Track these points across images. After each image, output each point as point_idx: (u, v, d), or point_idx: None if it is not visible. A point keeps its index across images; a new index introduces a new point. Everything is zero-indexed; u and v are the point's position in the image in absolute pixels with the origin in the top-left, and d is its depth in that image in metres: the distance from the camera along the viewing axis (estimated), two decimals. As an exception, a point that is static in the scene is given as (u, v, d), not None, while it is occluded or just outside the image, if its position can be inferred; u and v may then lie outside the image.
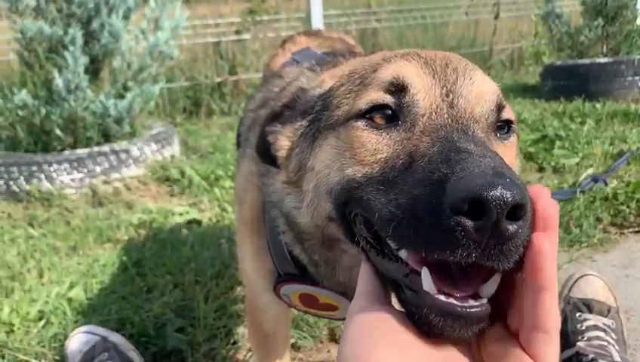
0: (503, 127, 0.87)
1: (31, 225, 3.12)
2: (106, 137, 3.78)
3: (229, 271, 2.39)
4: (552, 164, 3.60)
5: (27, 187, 3.40)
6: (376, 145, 0.80)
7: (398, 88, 0.82)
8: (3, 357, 1.92)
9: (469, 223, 0.60)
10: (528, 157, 3.75)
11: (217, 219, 3.14)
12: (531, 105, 5.32)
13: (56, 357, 1.91)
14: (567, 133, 4.12)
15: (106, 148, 3.62)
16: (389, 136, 0.80)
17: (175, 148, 4.06)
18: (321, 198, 0.89)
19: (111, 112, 3.62)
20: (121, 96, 3.75)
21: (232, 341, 2.05)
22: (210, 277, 2.35)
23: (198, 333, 2.02)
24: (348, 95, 0.89)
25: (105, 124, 3.69)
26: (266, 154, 1.04)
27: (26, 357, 1.90)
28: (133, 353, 1.77)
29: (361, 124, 0.83)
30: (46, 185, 3.41)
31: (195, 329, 2.04)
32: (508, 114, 0.87)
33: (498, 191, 0.58)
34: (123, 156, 3.62)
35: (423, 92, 0.80)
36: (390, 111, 0.82)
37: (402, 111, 0.80)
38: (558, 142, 3.90)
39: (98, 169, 3.53)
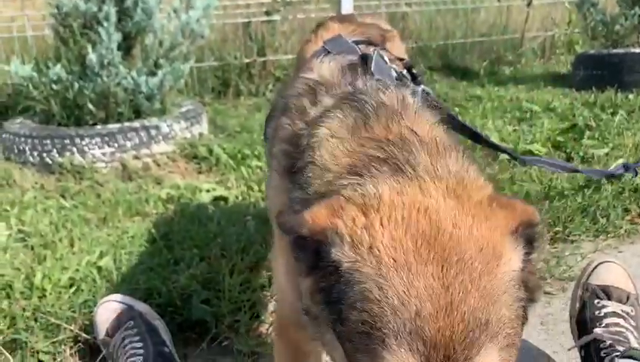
0: None
1: (63, 196, 3.21)
2: (137, 113, 3.84)
3: (254, 247, 2.43)
4: (581, 154, 3.56)
5: (60, 159, 3.49)
6: None
7: None
8: (36, 320, 2.00)
9: None
10: (556, 146, 3.71)
11: (243, 197, 3.19)
12: (561, 95, 5.24)
13: (86, 322, 1.98)
14: (597, 123, 4.05)
15: (136, 124, 3.69)
16: None
17: (203, 127, 4.12)
18: None
19: (142, 89, 3.68)
20: (153, 73, 3.80)
21: (255, 314, 2.10)
22: (235, 251, 2.39)
23: (222, 305, 2.07)
24: (357, 335, 0.82)
25: (136, 100, 3.75)
26: None
27: (57, 321, 1.97)
28: (157, 322, 1.83)
29: None
30: (78, 158, 3.50)
31: (220, 301, 2.10)
32: None
33: None
34: (153, 132, 3.69)
35: None
36: None
37: None
38: (587, 132, 3.85)
39: (128, 144, 3.60)
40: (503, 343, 0.79)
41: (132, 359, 1.58)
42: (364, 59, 1.38)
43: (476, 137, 2.12)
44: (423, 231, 0.82)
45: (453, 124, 1.94)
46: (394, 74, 1.40)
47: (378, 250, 0.81)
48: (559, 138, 3.77)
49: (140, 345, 1.64)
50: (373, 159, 0.98)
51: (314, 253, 0.88)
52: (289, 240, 0.93)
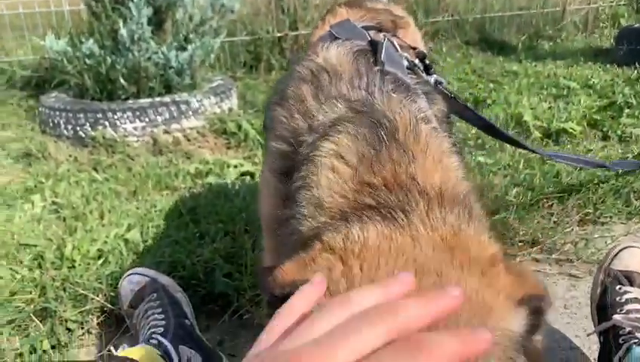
0: None
1: (95, 169, 3.28)
2: (168, 88, 3.88)
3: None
4: (618, 132, 3.45)
5: (93, 133, 3.57)
6: None
7: None
8: (65, 290, 2.07)
9: None
10: (592, 124, 3.59)
11: (270, 173, 3.20)
12: (602, 71, 5.05)
13: (112, 294, 2.04)
14: (638, 101, 3.90)
15: (167, 98, 3.73)
16: None
17: (233, 102, 4.13)
18: None
19: (172, 64, 3.71)
20: (183, 48, 3.83)
21: (276, 289, 2.12)
22: (258, 227, 2.41)
23: (244, 280, 2.10)
24: None
25: (166, 75, 3.79)
26: None
27: (85, 292, 2.04)
28: (179, 294, 1.87)
29: None
30: (110, 132, 3.57)
31: (242, 275, 2.13)
32: None
33: None
34: (183, 107, 3.72)
35: None
36: None
37: None
38: (627, 110, 3.72)
39: (159, 119, 3.65)
40: None
41: (154, 329, 1.62)
42: (374, 46, 1.30)
43: (492, 130, 2.06)
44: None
45: (469, 116, 1.89)
46: (405, 63, 1.33)
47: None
48: (596, 116, 3.65)
49: (161, 316, 1.69)
50: (366, 207, 0.92)
51: None
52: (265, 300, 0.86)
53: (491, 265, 0.81)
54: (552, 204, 2.61)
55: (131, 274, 1.93)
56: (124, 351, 1.41)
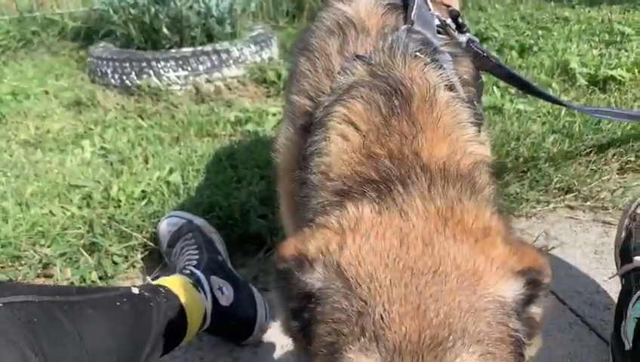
0: None
1: (140, 116, 3.41)
2: (209, 37, 3.94)
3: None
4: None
5: (138, 82, 3.69)
6: None
7: None
8: (111, 227, 2.21)
9: None
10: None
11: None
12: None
13: (153, 231, 2.17)
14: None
15: (208, 47, 3.79)
16: None
17: (273, 51, 4.16)
18: None
19: (213, 12, 3.76)
20: (224, -3, 3.86)
21: (308, 231, 2.20)
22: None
23: (277, 220, 2.19)
24: (322, 349, 0.80)
25: (208, 24, 3.84)
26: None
27: (128, 229, 2.17)
28: (214, 235, 1.98)
29: None
30: (154, 80, 3.67)
31: (275, 216, 2.21)
32: None
33: None
34: (224, 56, 3.78)
35: None
36: None
37: None
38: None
39: (201, 68, 3.73)
40: (483, 359, 0.75)
41: (188, 263, 1.73)
42: (405, 1, 1.27)
43: (527, 86, 2.02)
44: (396, 246, 0.82)
45: (503, 74, 1.85)
46: (437, 22, 1.31)
47: (347, 266, 0.82)
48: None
49: (196, 252, 1.79)
50: (367, 181, 0.96)
51: (289, 283, 0.88)
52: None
53: (485, 236, 0.85)
54: (591, 151, 2.56)
55: (169, 216, 2.05)
56: (158, 280, 1.52)
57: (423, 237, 0.83)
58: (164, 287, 1.44)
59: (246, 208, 2.25)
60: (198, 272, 1.61)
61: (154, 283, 1.49)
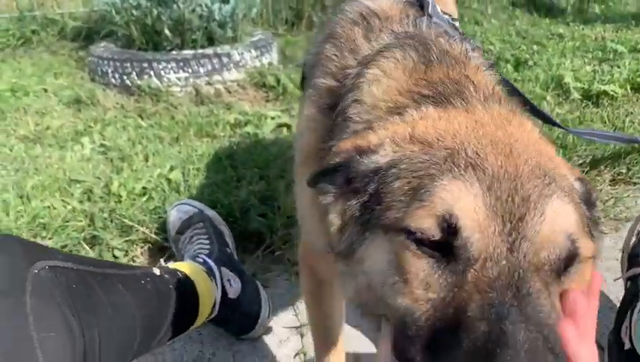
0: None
1: (140, 116, 3.43)
2: (210, 41, 3.98)
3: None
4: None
5: (138, 82, 3.71)
6: (427, 277, 0.72)
7: (450, 229, 0.71)
8: (112, 221, 2.23)
9: None
10: (636, 88, 3.54)
11: (306, 125, 3.29)
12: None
13: (155, 225, 2.19)
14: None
15: (209, 51, 3.83)
16: (441, 272, 0.72)
17: (273, 56, 4.21)
18: (378, 303, 0.81)
19: (215, 16, 3.80)
20: (225, 1, 3.90)
21: (307, 231, 2.23)
22: (291, 171, 2.52)
23: (277, 219, 2.22)
24: (401, 197, 0.77)
25: (209, 28, 3.88)
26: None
27: (130, 223, 2.19)
28: (223, 227, 2.01)
29: (413, 245, 0.73)
30: (155, 81, 3.70)
31: (275, 216, 2.25)
32: (581, 255, 0.73)
33: None
34: (225, 60, 3.82)
35: (478, 232, 0.70)
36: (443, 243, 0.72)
37: (454, 252, 0.71)
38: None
39: (202, 70, 3.76)
40: (577, 210, 0.76)
41: (199, 251, 1.76)
42: (420, 1, 1.31)
43: (526, 103, 2.07)
44: (470, 124, 0.84)
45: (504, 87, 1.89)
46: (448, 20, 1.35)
47: (423, 134, 0.82)
48: (640, 80, 3.58)
49: (207, 242, 1.82)
50: (423, 97, 0.97)
51: (343, 178, 0.87)
52: (315, 178, 0.92)
53: (546, 144, 0.88)
54: (584, 163, 2.62)
55: (181, 203, 2.07)
56: (174, 265, 1.54)
57: (494, 122, 0.85)
58: (181, 272, 1.46)
59: (246, 206, 2.28)
60: (210, 261, 1.63)
61: (171, 266, 1.50)
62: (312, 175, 0.92)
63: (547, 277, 0.70)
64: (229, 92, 3.85)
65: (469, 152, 0.76)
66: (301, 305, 1.92)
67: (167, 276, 1.37)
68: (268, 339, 1.81)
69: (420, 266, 0.72)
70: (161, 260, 1.66)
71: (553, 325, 0.66)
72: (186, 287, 1.43)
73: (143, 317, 1.17)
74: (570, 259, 0.72)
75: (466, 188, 0.72)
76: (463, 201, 0.71)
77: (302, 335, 1.81)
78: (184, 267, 1.52)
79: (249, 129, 3.21)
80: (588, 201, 0.85)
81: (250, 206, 2.28)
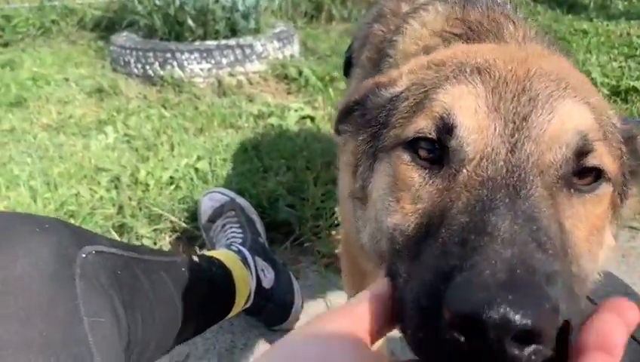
0: (587, 174, 0.66)
1: (163, 106, 3.42)
2: (233, 32, 3.96)
3: (336, 162, 2.52)
4: (692, 93, 3.32)
5: (161, 72, 3.70)
6: (417, 190, 0.67)
7: (445, 127, 0.66)
8: (140, 210, 2.22)
9: (462, 340, 0.47)
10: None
11: (329, 117, 3.26)
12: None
13: (185, 214, 2.18)
14: None
15: (232, 42, 3.81)
16: (432, 181, 0.66)
17: (295, 49, 4.18)
18: (381, 239, 0.73)
19: (239, 7, 3.78)
20: (249, -8, 3.88)
21: (334, 222, 2.21)
22: (319, 165, 2.50)
23: (306, 210, 2.20)
24: (406, 114, 0.74)
25: (232, 18, 3.86)
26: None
27: (160, 211, 2.18)
28: (255, 216, 1.99)
29: (406, 157, 0.69)
30: (178, 72, 3.69)
31: (304, 207, 2.22)
32: (597, 160, 0.65)
33: (499, 313, 0.45)
34: (247, 51, 3.80)
35: (476, 132, 0.64)
36: (437, 149, 0.67)
37: (447, 154, 0.66)
38: (703, 71, 3.56)
39: (224, 61, 3.74)
40: (601, 124, 0.69)
41: (232, 240, 1.74)
42: None
43: None
44: (493, 46, 0.82)
45: None
46: None
47: (439, 60, 0.78)
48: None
49: (239, 231, 1.80)
50: (454, 36, 0.97)
51: (360, 114, 0.85)
52: (337, 122, 0.89)
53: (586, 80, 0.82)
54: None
55: (213, 192, 2.05)
56: (210, 253, 1.52)
57: (524, 50, 0.82)
58: (217, 260, 1.45)
59: (274, 197, 2.26)
60: (244, 251, 1.62)
61: (207, 254, 1.49)
62: (335, 119, 0.89)
63: (553, 183, 0.62)
64: (251, 83, 3.83)
65: (479, 60, 0.72)
66: (332, 298, 1.90)
67: (205, 264, 1.35)
68: (300, 331, 1.79)
69: (412, 178, 0.68)
70: (196, 248, 1.64)
71: (549, 228, 0.56)
72: (223, 276, 1.42)
73: (185, 306, 1.16)
74: (580, 156, 0.64)
75: (468, 89, 0.68)
76: (463, 101, 0.67)
77: (335, 327, 1.78)
78: (220, 255, 1.50)
79: (273, 120, 3.19)
80: (629, 142, 0.76)
81: (279, 196, 2.26)
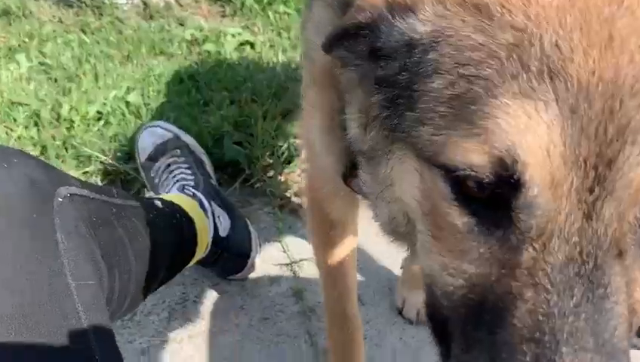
0: None
1: (83, 31, 3.05)
2: (157, -54, 3.55)
3: (287, 93, 2.33)
4: None
5: (77, -8, 3.28)
6: (464, 243, 0.55)
7: (508, 176, 0.50)
8: (66, 150, 1.97)
9: None
10: None
11: (271, 44, 3.03)
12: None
13: (118, 154, 1.95)
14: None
15: (157, -43, 3.42)
16: (484, 239, 0.54)
17: (228, -33, 3.82)
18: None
19: None
20: None
21: (287, 160, 2.06)
22: (267, 97, 2.30)
23: (254, 148, 2.02)
24: (441, 107, 0.56)
25: None
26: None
27: (89, 151, 1.94)
28: (204, 156, 1.80)
29: (448, 193, 0.55)
30: (96, -9, 3.28)
31: (252, 145, 2.05)
32: None
33: None
34: (175, -31, 3.43)
35: (548, 189, 0.49)
36: (491, 185, 0.52)
37: (510, 214, 0.52)
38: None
39: (149, -20, 3.36)
40: None
41: (184, 182, 1.55)
42: None
43: None
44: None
45: None
46: None
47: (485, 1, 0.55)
48: None
49: (189, 172, 1.61)
50: None
51: (367, 47, 0.65)
52: (332, 40, 0.68)
53: None
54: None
55: (153, 126, 1.82)
56: (167, 196, 1.34)
57: None
58: (179, 207, 1.27)
59: (219, 134, 2.07)
60: (200, 195, 1.44)
61: (167, 198, 1.30)
62: (329, 36, 0.68)
63: (628, 249, 0.50)
64: (181, 5, 3.48)
65: (546, 44, 0.50)
66: (290, 242, 1.78)
67: (168, 210, 1.18)
68: (257, 278, 1.67)
69: (456, 227, 0.55)
70: (145, 190, 1.45)
71: (626, 351, 0.48)
72: (188, 226, 1.26)
73: (157, 258, 1.00)
74: None
75: (537, 113, 0.48)
76: (531, 136, 0.48)
77: (294, 273, 1.67)
78: (180, 201, 1.32)
79: (208, 47, 2.92)
80: None
81: (224, 133, 2.06)
